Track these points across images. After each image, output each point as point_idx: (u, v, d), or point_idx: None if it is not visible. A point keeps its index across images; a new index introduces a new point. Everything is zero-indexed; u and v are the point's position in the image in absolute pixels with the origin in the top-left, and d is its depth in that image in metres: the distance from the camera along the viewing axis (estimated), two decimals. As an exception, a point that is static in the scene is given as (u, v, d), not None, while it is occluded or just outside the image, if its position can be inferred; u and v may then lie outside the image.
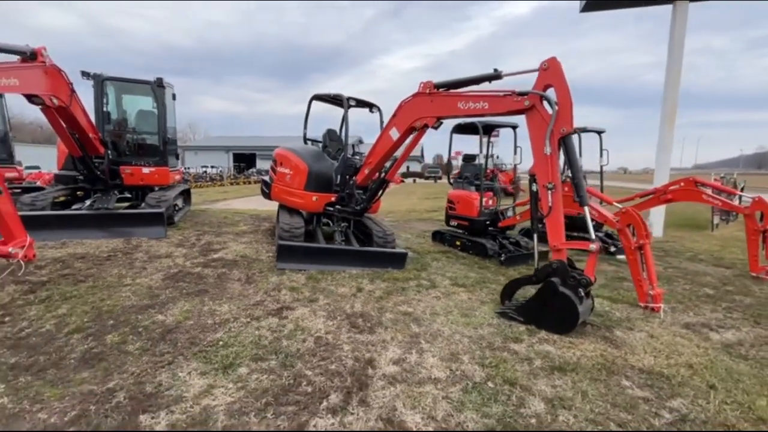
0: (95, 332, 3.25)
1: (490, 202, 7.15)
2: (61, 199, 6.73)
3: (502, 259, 6.18)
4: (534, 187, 4.14)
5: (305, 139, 7.18)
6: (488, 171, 8.46)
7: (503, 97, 4.26)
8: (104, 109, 6.91)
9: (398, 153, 5.72)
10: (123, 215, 6.08)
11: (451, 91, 4.84)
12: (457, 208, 7.23)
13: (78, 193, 6.99)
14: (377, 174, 5.81)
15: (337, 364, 2.97)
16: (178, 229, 6.91)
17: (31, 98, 4.76)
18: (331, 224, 6.19)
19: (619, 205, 5.01)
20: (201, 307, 3.86)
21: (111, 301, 3.82)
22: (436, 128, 5.13)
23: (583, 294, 3.61)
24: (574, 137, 6.07)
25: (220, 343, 3.19)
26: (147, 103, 7.80)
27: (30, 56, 4.60)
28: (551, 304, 3.68)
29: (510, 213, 7.14)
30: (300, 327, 3.56)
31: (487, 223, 6.83)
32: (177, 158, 8.36)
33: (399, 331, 3.60)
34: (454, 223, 7.35)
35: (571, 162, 3.92)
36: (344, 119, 6.46)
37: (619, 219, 4.64)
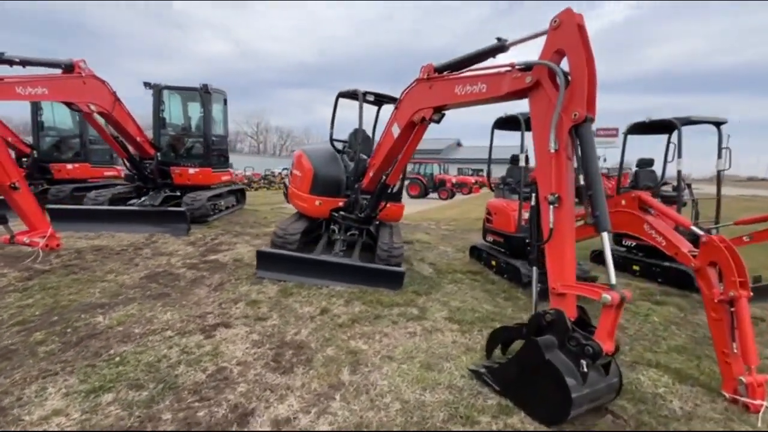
0: (31, 327, 3.30)
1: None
2: (122, 195, 7.64)
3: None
4: (532, 200, 2.92)
5: (331, 140, 6.76)
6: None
7: (502, 74, 3.12)
8: (160, 114, 7.64)
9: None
10: (152, 213, 6.58)
11: (453, 74, 3.82)
12: (493, 221, 5.93)
13: (143, 190, 7.87)
14: (380, 178, 5.03)
15: (206, 410, 2.39)
16: (209, 228, 7.22)
17: (69, 105, 5.31)
18: (337, 232, 5.62)
19: (699, 231, 3.25)
20: (145, 312, 3.70)
21: (76, 296, 3.93)
22: (437, 122, 4.14)
23: (586, 368, 2.31)
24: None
25: (117, 358, 2.90)
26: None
27: (67, 68, 5.14)
28: (535, 376, 2.46)
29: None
30: (216, 352, 3.08)
31: (528, 241, 5.41)
32: (226, 160, 8.89)
33: (322, 377, 2.83)
34: (490, 238, 6.06)
35: (586, 163, 2.60)
36: (360, 116, 5.83)
37: (698, 253, 3.02)
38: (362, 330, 3.62)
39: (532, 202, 3.09)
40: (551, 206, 2.65)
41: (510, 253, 5.59)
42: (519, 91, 2.98)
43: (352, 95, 6.08)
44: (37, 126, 8.78)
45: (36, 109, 8.70)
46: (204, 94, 7.64)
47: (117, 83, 6.06)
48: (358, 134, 5.87)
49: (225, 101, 8.51)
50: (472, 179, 30.36)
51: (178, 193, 7.63)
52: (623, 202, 5.05)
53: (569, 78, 2.63)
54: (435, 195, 23.03)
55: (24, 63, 4.59)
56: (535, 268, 3.22)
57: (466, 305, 4.40)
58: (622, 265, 6.10)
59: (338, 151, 6.57)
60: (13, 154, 8.54)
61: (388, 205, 5.98)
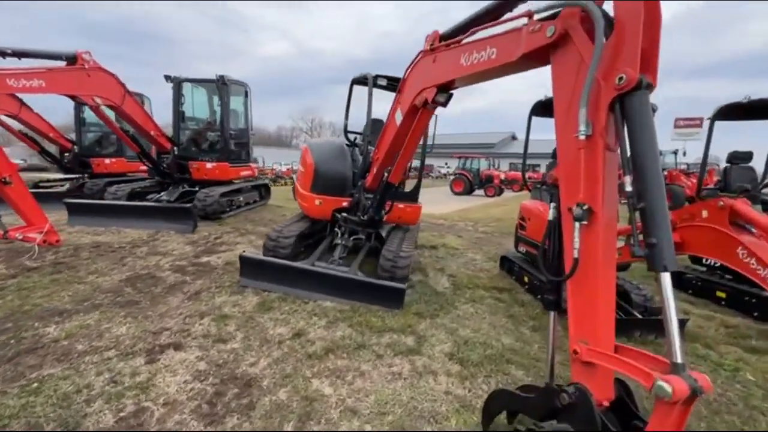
0: (-22, 336, 3.03)
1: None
2: (148, 189, 7.64)
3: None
4: (551, 212, 2.02)
5: (346, 132, 6.09)
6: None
7: (516, 30, 2.19)
8: (180, 108, 7.51)
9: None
10: (159, 209, 6.40)
11: (461, 42, 2.93)
12: (527, 228, 4.88)
13: (164, 185, 7.85)
14: (383, 175, 4.26)
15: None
16: (219, 225, 6.94)
17: (73, 98, 5.18)
18: (340, 236, 4.94)
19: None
20: (102, 324, 3.32)
21: (44, 300, 3.68)
22: (444, 104, 3.27)
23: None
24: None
25: (35, 384, 2.49)
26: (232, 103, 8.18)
27: (70, 60, 4.99)
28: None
29: (621, 243, 4.35)
30: (148, 384, 2.56)
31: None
32: (247, 155, 8.62)
33: (255, 434, 2.18)
34: (523, 248, 5.02)
35: (636, 155, 1.62)
36: (369, 103, 5.09)
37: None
38: (335, 364, 2.92)
39: (550, 216, 2.15)
40: (577, 223, 1.72)
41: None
42: (539, 52, 2.04)
43: (364, 81, 5.35)
44: (80, 122, 9.23)
45: (78, 105, 9.09)
46: (221, 85, 7.38)
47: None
48: (367, 125, 5.13)
49: (246, 93, 8.22)
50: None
51: (197, 189, 7.46)
52: (704, 213, 3.75)
53: (612, 23, 1.67)
54: (481, 192, 21.57)
55: (19, 54, 4.49)
56: (553, 313, 2.28)
57: (478, 336, 3.50)
58: (701, 290, 4.74)
59: (352, 144, 5.89)
60: (55, 149, 9.04)
61: (399, 206, 5.20)
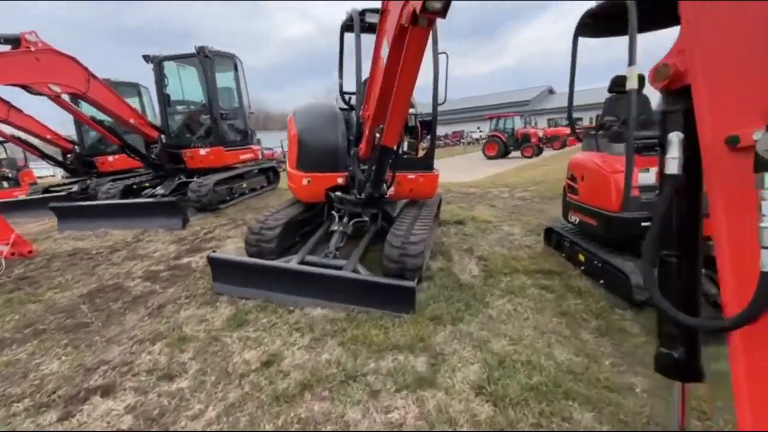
0: None
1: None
2: (146, 184, 7.09)
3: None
4: (673, 155, 0.88)
5: (341, 93, 5.03)
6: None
7: None
8: (164, 91, 6.74)
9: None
10: (148, 205, 5.76)
11: None
12: (580, 190, 3.65)
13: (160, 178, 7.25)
14: (375, 138, 3.20)
15: None
16: (216, 216, 6.23)
17: (25, 89, 4.53)
18: (337, 221, 3.99)
19: None
20: (34, 359, 2.66)
21: (-16, 328, 3.09)
22: (441, 14, 2.12)
23: None
24: None
25: None
26: (221, 79, 7.34)
27: (13, 43, 4.30)
28: None
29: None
30: (43, 459, 1.83)
31: (646, 225, 3.08)
32: (247, 136, 7.80)
33: None
34: (574, 217, 3.80)
35: None
36: (357, 50, 3.98)
37: None
38: (309, 411, 2.04)
39: (670, 168, 1.01)
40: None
41: (610, 245, 3.34)
42: None
43: (351, 24, 4.22)
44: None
45: (76, 103, 8.67)
46: (203, 59, 6.50)
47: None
48: (358, 78, 4.04)
49: (236, 66, 7.30)
50: (566, 130, 25.56)
51: (196, 178, 6.79)
52: None
53: None
54: (518, 154, 19.68)
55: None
56: (679, 387, 1.20)
57: (519, 350, 2.48)
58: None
59: (349, 107, 4.84)
60: (58, 151, 8.73)
61: (409, 176, 4.16)
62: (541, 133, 20.63)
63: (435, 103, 4.07)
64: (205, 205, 6.21)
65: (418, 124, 4.93)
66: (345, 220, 3.93)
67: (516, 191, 9.01)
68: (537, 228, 5.36)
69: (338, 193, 3.89)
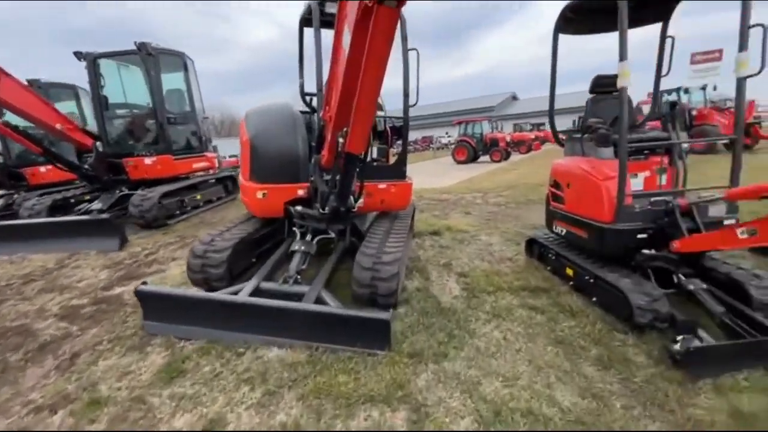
0: None
1: (663, 182, 3.01)
2: (86, 198, 6.22)
3: (677, 350, 2.25)
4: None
5: (302, 94, 4.52)
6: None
7: None
8: (100, 92, 5.94)
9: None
10: (77, 224, 4.96)
11: None
12: (566, 199, 3.35)
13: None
14: (338, 143, 2.74)
15: None
16: (164, 234, 5.51)
17: None
18: (298, 239, 3.46)
19: None
20: None
21: None
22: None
23: None
24: None
25: None
26: (169, 81, 6.61)
27: None
28: None
29: (720, 211, 2.79)
30: None
31: (642, 237, 2.78)
32: (201, 143, 7.10)
33: None
34: (560, 228, 3.49)
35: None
36: (317, 44, 3.50)
37: None
38: (255, 508, 1.52)
39: None
40: None
41: (601, 258, 3.04)
42: None
43: (310, 17, 3.74)
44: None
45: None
46: (145, 56, 5.79)
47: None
48: (318, 75, 3.57)
49: (186, 66, 6.61)
50: (531, 135, 26.21)
51: (140, 191, 6.01)
52: None
53: None
54: (486, 158, 19.81)
55: None
56: None
57: (515, 393, 2.08)
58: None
59: (311, 109, 4.34)
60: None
61: (379, 186, 3.73)
62: (508, 138, 20.92)
63: (406, 105, 3.66)
64: (149, 221, 5.47)
65: (387, 128, 4.51)
66: (308, 237, 3.42)
67: (489, 197, 8.81)
68: (516, 237, 5.07)
69: (299, 208, 3.38)
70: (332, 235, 3.54)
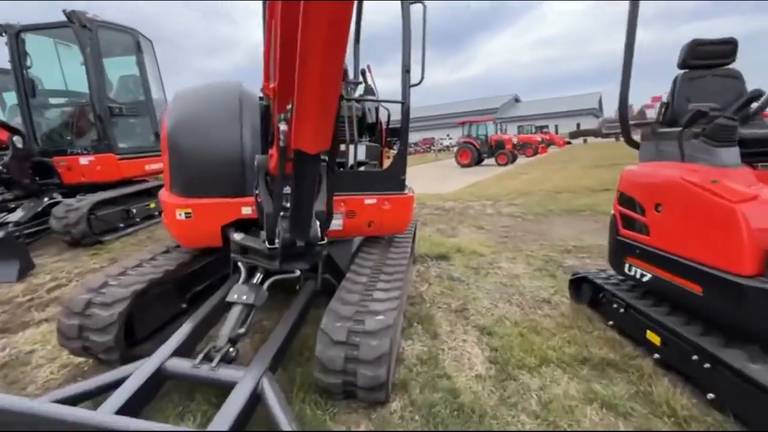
0: None
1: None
2: (11, 205, 5.03)
3: None
4: None
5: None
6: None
7: None
8: (25, 73, 4.77)
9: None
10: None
11: None
12: (651, 226, 2.16)
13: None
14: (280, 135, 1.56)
15: None
16: (91, 255, 4.31)
17: None
18: (242, 276, 2.30)
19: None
20: None
21: None
22: None
23: None
24: None
25: None
26: (120, 65, 5.45)
27: None
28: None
29: None
30: None
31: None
32: (158, 139, 5.93)
33: None
34: (637, 269, 2.30)
35: None
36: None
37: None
38: None
39: None
40: None
41: (722, 328, 1.86)
42: None
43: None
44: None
45: None
46: (79, 29, 4.62)
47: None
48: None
49: (139, 46, 5.45)
50: (538, 137, 25.06)
51: (78, 198, 4.81)
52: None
53: None
54: (491, 161, 18.66)
55: None
56: None
57: None
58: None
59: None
60: None
61: (367, 201, 2.57)
62: (515, 140, 19.78)
63: (406, 81, 2.49)
64: (77, 238, 4.30)
65: (381, 120, 3.35)
66: (256, 278, 2.24)
67: (501, 206, 7.65)
68: (547, 264, 3.91)
69: (238, 236, 2.20)
70: (295, 273, 2.36)
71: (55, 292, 3.32)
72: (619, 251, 2.41)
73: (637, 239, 2.26)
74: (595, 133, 46.02)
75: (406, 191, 2.77)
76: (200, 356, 1.85)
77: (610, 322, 2.57)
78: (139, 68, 5.52)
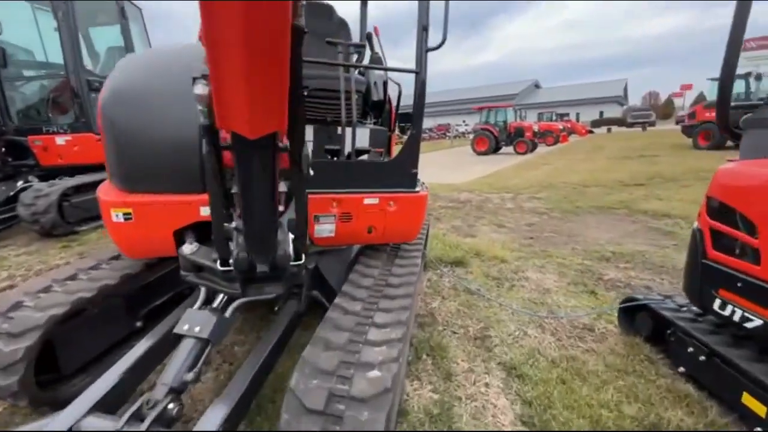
0: None
1: None
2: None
3: None
4: None
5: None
6: None
7: None
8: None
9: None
10: None
11: None
12: (766, 252, 1.53)
13: None
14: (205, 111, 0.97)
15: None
16: (63, 246, 3.85)
17: None
18: (199, 299, 1.77)
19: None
20: None
21: None
22: None
23: None
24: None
25: None
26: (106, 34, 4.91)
27: None
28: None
29: None
30: None
31: None
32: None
33: None
34: (735, 308, 1.67)
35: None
36: None
37: None
38: None
39: None
40: None
41: None
42: None
43: None
44: None
45: None
46: (49, -10, 4.07)
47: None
48: None
49: (123, 13, 4.87)
50: (559, 125, 23.84)
51: (56, 181, 4.35)
52: None
53: None
54: (509, 149, 17.76)
55: None
56: None
57: None
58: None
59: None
60: None
61: (366, 200, 1.97)
62: (536, 127, 18.74)
63: (422, 42, 1.85)
64: (46, 227, 3.85)
65: (390, 98, 2.73)
66: (217, 301, 1.69)
67: (522, 199, 6.97)
68: (584, 276, 3.28)
69: (187, 249, 1.65)
70: (270, 295, 1.79)
71: (6, 293, 2.87)
72: (706, 280, 1.78)
73: (738, 267, 1.62)
74: (620, 121, 43.90)
75: (418, 188, 2.16)
76: (127, 414, 1.32)
77: (681, 369, 1.96)
78: (124, 38, 4.95)
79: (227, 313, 1.63)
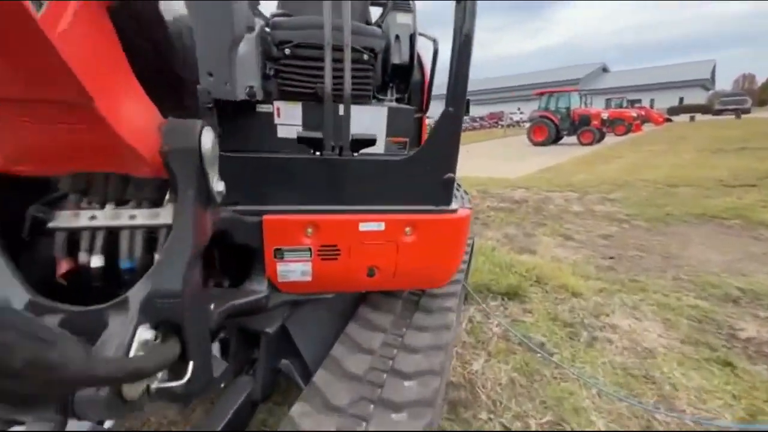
0: None
1: None
2: None
3: None
4: None
5: None
6: None
7: None
8: None
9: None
10: None
11: None
12: None
13: None
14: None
15: None
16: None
17: None
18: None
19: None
20: None
21: None
22: None
23: None
24: None
25: None
26: None
27: None
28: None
29: None
30: None
31: None
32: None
33: None
34: None
35: None
36: None
37: None
38: None
39: None
40: None
41: None
42: None
43: None
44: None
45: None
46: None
47: None
48: None
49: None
50: (632, 113, 21.00)
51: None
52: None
53: None
54: (571, 140, 15.83)
55: None
56: None
57: None
58: None
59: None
60: None
61: (361, 226, 1.07)
62: (605, 115, 16.52)
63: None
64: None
65: (421, 59, 1.86)
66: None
67: (592, 200, 5.73)
68: (699, 325, 2.22)
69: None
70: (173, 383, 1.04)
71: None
72: None
73: None
74: (704, 108, 38.31)
75: (455, 205, 1.29)
76: None
77: None
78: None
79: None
